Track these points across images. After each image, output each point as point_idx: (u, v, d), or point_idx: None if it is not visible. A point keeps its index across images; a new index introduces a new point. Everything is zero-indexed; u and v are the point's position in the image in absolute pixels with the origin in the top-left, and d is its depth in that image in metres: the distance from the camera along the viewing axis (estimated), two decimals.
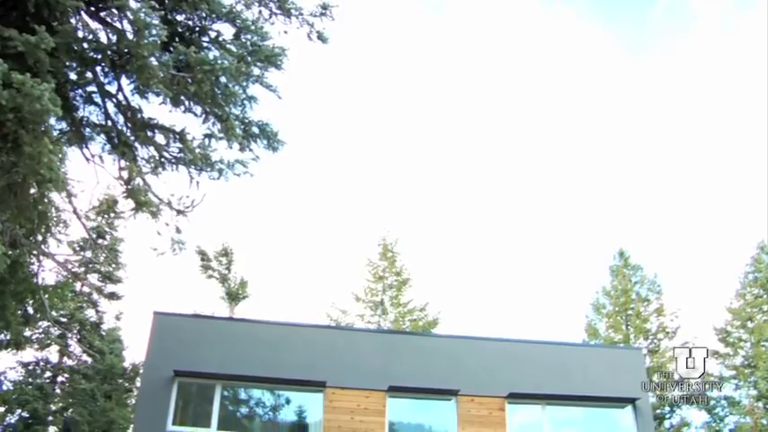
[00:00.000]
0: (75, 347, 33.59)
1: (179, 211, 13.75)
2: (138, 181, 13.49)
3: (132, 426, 20.10)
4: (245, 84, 13.01)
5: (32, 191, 12.73)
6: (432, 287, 55.17)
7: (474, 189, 55.16)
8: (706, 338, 41.01)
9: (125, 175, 13.41)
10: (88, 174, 14.05)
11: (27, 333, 27.73)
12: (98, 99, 13.04)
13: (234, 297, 32.68)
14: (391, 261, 37.13)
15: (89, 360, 33.73)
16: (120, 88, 12.82)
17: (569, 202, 57.07)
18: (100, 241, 32.40)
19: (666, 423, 34.73)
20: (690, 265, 54.82)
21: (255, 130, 13.39)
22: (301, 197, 56.13)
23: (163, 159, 13.21)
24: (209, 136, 13.11)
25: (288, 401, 17.65)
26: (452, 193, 57.32)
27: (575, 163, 53.54)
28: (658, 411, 33.83)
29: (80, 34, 11.89)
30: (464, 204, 56.92)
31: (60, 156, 13.13)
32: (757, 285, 36.49)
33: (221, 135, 13.02)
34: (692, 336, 36.81)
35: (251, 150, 13.44)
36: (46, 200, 13.87)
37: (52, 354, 33.21)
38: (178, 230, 13.92)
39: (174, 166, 13.28)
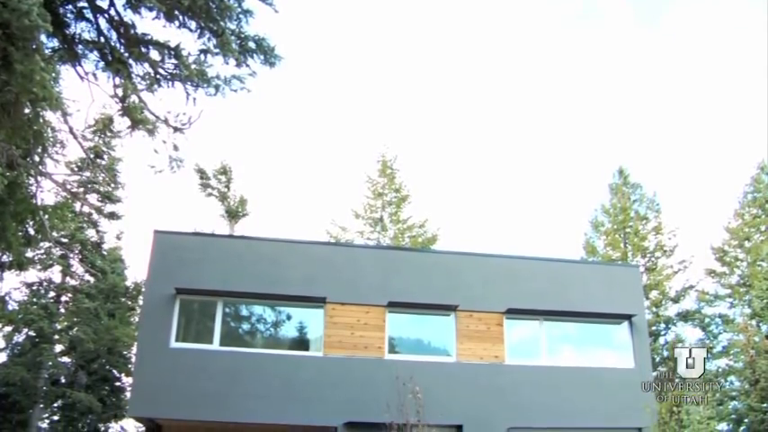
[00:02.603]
0: (77, 267, 33.87)
1: (176, 129, 13.64)
2: (134, 98, 13.33)
3: (136, 343, 20.41)
4: None
5: (27, 110, 12.53)
6: (431, 204, 55.52)
7: (474, 105, 54.78)
8: (703, 257, 41.58)
9: (120, 92, 13.23)
10: (83, 92, 13.90)
11: (29, 254, 27.81)
12: (89, 15, 12.75)
13: (233, 215, 32.67)
14: (390, 177, 36.99)
15: (91, 279, 34.08)
16: (111, 3, 12.53)
17: (570, 120, 56.74)
18: (98, 161, 32.23)
19: (661, 339, 35.32)
20: (689, 185, 55.05)
21: (252, 44, 13.14)
22: (300, 113, 55.87)
23: (158, 76, 13.01)
24: (205, 51, 12.86)
25: (289, 317, 17.89)
26: (452, 109, 56.95)
27: (576, 79, 52.99)
28: (653, 328, 34.37)
29: None
30: (464, 121, 56.63)
31: (53, 74, 12.91)
32: (756, 205, 36.57)
33: (217, 50, 12.79)
34: (689, 254, 37.19)
35: (247, 66, 13.24)
36: (41, 119, 13.66)
37: (55, 274, 33.55)
38: (176, 148, 13.85)
39: (170, 82, 13.08)
